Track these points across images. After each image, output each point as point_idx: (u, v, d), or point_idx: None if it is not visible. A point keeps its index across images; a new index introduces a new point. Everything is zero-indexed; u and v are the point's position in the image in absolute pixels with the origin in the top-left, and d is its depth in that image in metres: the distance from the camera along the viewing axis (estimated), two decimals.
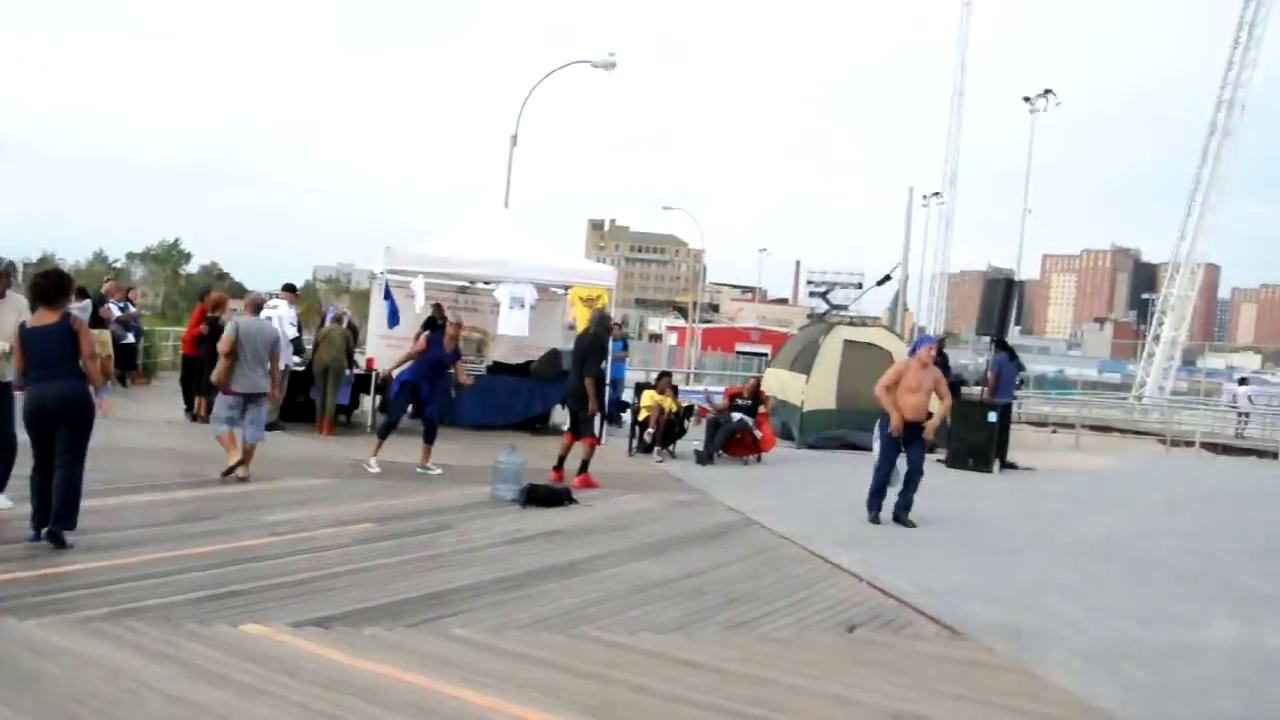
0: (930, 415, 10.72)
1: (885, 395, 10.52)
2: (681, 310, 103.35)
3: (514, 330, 15.48)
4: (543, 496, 9.94)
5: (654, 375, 16.93)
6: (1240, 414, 31.78)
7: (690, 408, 15.36)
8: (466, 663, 5.32)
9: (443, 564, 7.40)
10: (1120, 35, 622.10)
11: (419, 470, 11.28)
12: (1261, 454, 25.30)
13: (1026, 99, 48.84)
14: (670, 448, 14.55)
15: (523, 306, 15.36)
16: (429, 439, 11.43)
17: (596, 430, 12.27)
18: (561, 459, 11.46)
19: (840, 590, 7.48)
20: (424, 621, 5.96)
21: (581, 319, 14.90)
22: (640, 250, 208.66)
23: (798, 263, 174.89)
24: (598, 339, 11.90)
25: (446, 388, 12.18)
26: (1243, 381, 40.04)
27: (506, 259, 15.45)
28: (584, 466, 11.34)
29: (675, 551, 8.42)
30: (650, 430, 14.37)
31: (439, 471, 11.30)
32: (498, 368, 16.87)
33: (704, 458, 14.07)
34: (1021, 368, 19.59)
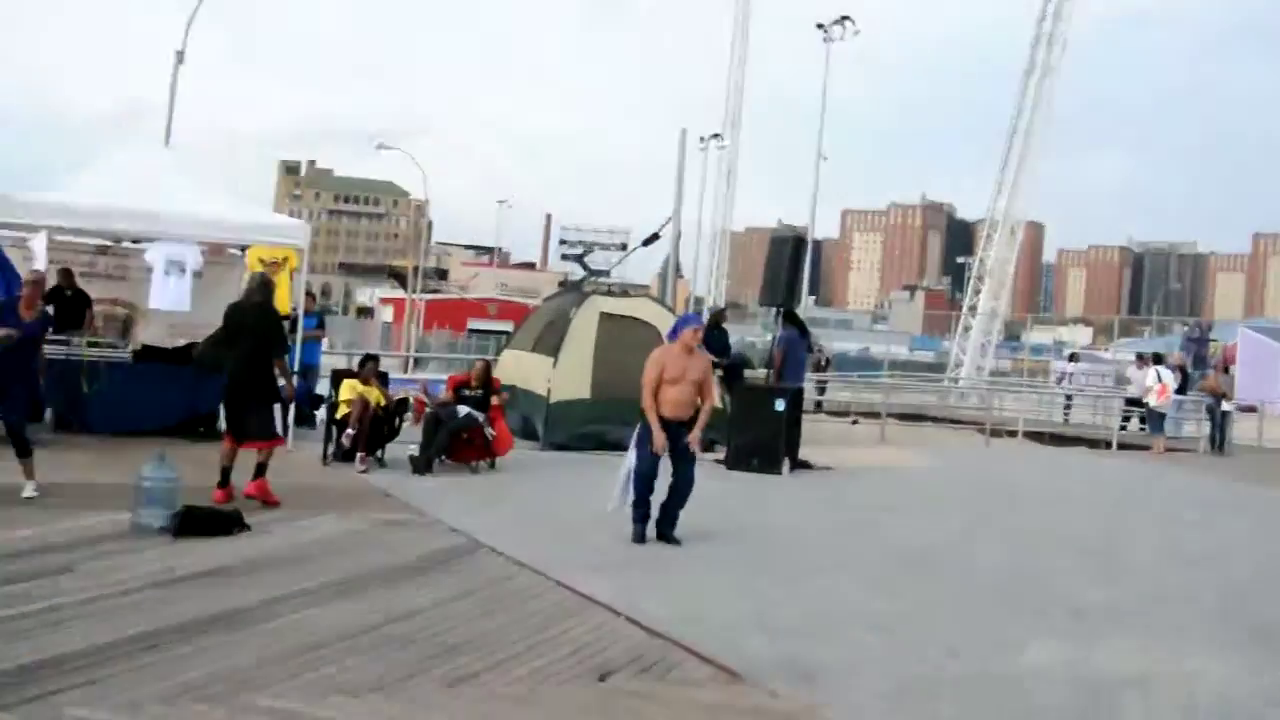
0: (696, 415, 10.70)
1: (652, 394, 10.46)
2: (400, 277, 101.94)
3: (170, 304, 14.80)
4: (202, 523, 9.46)
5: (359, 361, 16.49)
6: (1068, 397, 33.82)
7: (404, 401, 15.04)
8: None
9: (59, 620, 6.89)
10: None
11: (26, 496, 10.52)
12: (1093, 443, 26.95)
13: (821, 26, 50.32)
14: (378, 453, 14.22)
15: (182, 273, 14.69)
16: (21, 451, 10.64)
17: (278, 428, 11.95)
18: (226, 472, 10.97)
19: (591, 628, 7.42)
20: (25, 702, 5.50)
21: None
22: (347, 201, 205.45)
23: (548, 217, 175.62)
24: (265, 307, 11.58)
25: (32, 376, 11.32)
26: (1073, 358, 42.60)
27: (160, 210, 14.65)
28: (260, 470, 10.97)
29: (380, 589, 8.17)
30: (350, 431, 13.97)
31: (35, 493, 10.49)
32: (148, 353, 16.07)
33: (421, 465, 13.81)
34: (813, 347, 20.11)
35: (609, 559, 9.60)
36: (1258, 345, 47.93)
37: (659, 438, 10.30)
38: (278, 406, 11.92)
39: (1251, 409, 30.33)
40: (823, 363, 38.55)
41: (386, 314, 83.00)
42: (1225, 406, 26.25)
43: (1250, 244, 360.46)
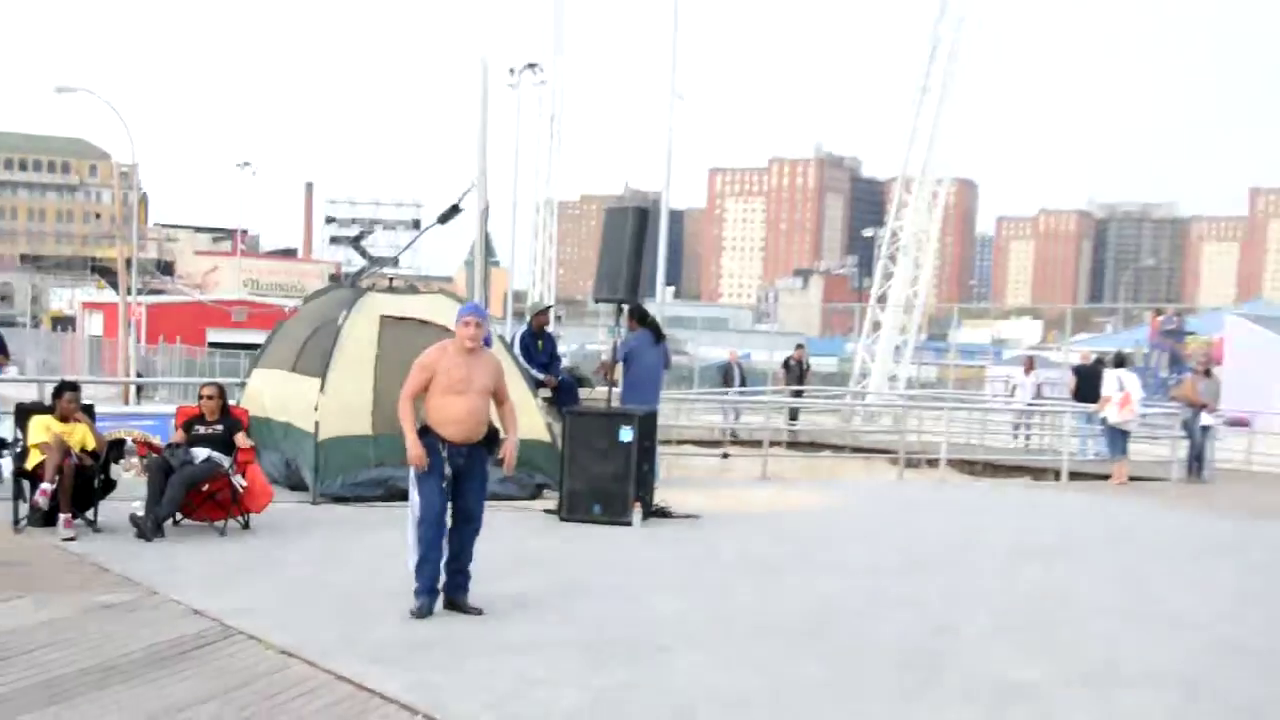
0: (495, 432, 10.95)
1: (408, 406, 10.73)
2: (108, 273, 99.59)
3: None
4: None
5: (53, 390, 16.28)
6: (1018, 417, 34.69)
7: (120, 443, 14.99)
8: None
9: None
10: None
11: None
12: (1038, 472, 27.74)
13: None
14: (88, 514, 14.15)
15: None
16: None
17: None
18: None
19: None
20: None
21: None
22: (23, 168, 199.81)
23: (309, 187, 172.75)
24: None
25: None
26: (1029, 366, 43.68)
27: None
28: None
29: (94, 692, 8.24)
30: (47, 486, 13.85)
31: None
32: None
33: (149, 527, 13.66)
34: (668, 356, 20.23)
35: (403, 641, 9.73)
36: (1252, 337, 48.69)
37: (414, 450, 10.50)
38: None
39: (1243, 422, 31.33)
40: (801, 370, 39.11)
41: (94, 324, 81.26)
42: (1206, 420, 27.10)
43: (1247, 203, 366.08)
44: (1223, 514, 20.93)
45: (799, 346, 44.79)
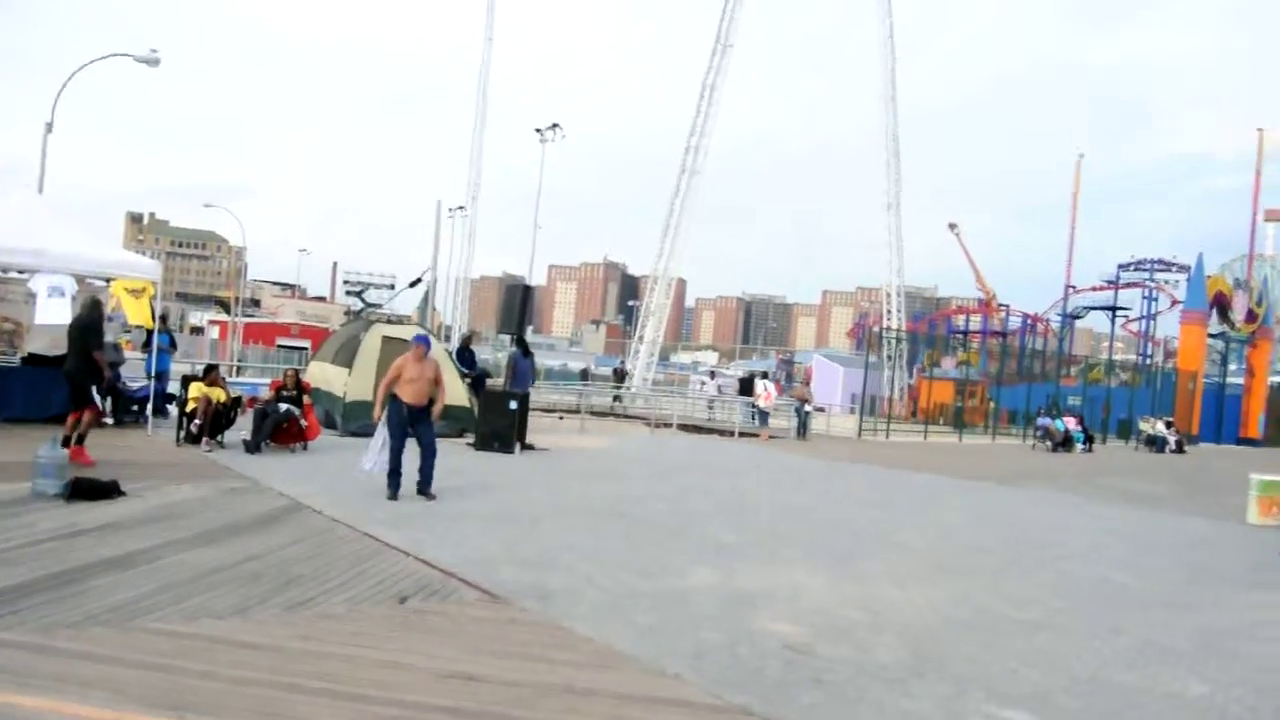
0: (433, 402, 10.86)
1: (385, 387, 10.72)
2: (224, 305, 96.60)
3: (54, 319, 13.73)
4: (88, 489, 8.91)
5: (200, 368, 15.72)
6: (709, 401, 35.12)
7: (238, 399, 14.43)
8: (16, 668, 4.66)
9: None
10: (616, 86, 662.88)
11: None
12: (723, 432, 28.03)
13: (538, 130, 50.65)
14: (219, 438, 13.60)
15: (63, 295, 13.63)
16: None
17: (97, 401, 11.64)
18: (68, 439, 10.58)
19: (391, 566, 7.37)
20: None
21: (131, 311, 13.68)
22: (181, 246, 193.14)
23: (335, 264, 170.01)
24: (91, 319, 11.74)
25: None
26: (712, 375, 44.31)
27: (44, 248, 13.60)
28: (80, 439, 10.79)
29: (230, 538, 7.88)
30: (198, 421, 13.34)
31: None
32: (34, 360, 14.92)
33: (252, 447, 13.28)
34: (534, 365, 20.18)
35: (399, 516, 9.45)
36: (826, 367, 50.92)
37: (377, 411, 10.86)
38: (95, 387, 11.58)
39: (821, 409, 32.12)
40: (622, 375, 38.90)
41: (214, 332, 78.41)
42: (808, 408, 27.69)
43: (820, 297, 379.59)
44: (815, 456, 21.35)
45: (621, 361, 44.91)
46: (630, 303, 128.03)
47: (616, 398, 34.31)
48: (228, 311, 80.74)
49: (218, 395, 13.60)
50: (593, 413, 30.11)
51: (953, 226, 78.50)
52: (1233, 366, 50.70)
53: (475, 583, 6.97)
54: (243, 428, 14.02)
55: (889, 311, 53.73)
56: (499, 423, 16.13)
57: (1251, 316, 49.42)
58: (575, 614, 6.42)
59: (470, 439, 16.51)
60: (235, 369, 34.05)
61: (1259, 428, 48.51)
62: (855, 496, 14.57)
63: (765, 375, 31.45)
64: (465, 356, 19.54)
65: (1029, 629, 7.09)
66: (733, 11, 48.37)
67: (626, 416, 32.65)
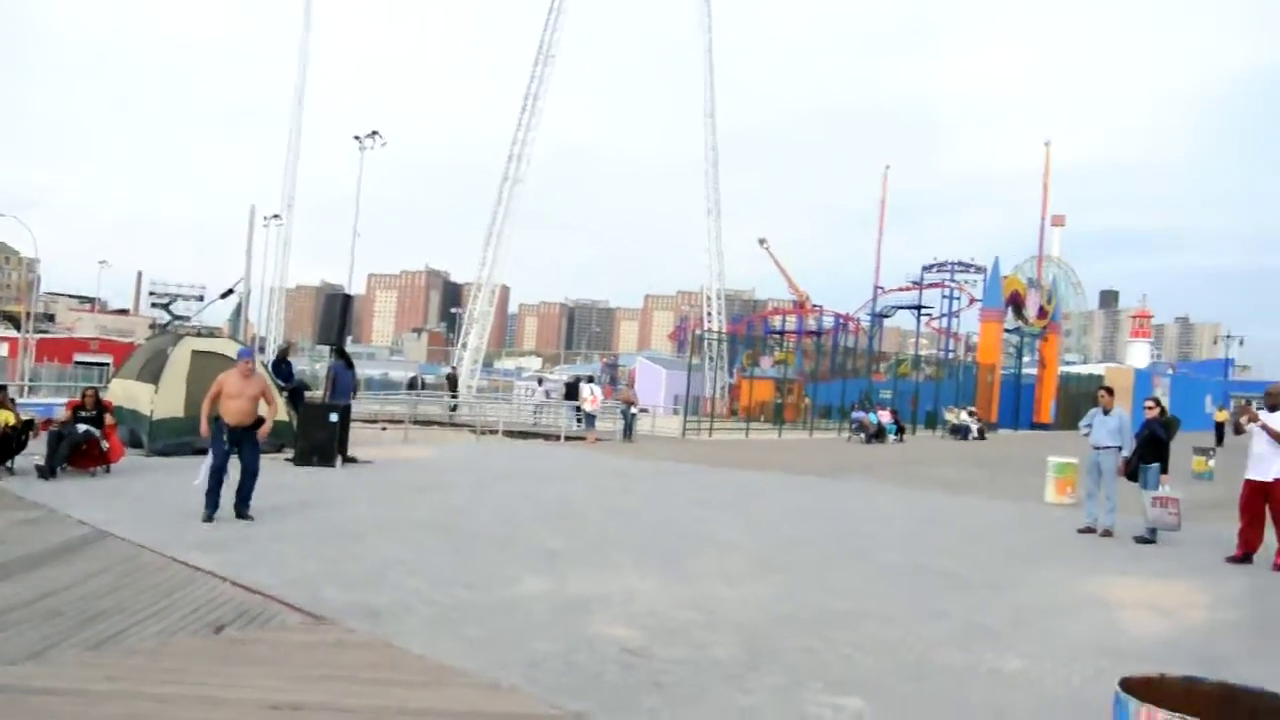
0: (261, 419, 10.38)
1: (209, 405, 10.16)
2: (13, 320, 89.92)
3: None
4: None
5: None
6: (536, 406, 34.92)
7: (30, 421, 13.35)
8: None
9: None
10: (439, 94, 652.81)
11: None
12: (549, 436, 27.87)
13: (357, 138, 49.38)
14: (8, 464, 12.55)
15: None
16: None
17: None
18: None
19: (204, 592, 6.91)
20: None
21: None
22: None
23: (139, 274, 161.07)
24: None
25: None
26: (540, 381, 44.10)
27: None
28: None
29: (24, 573, 7.21)
30: None
31: None
32: None
33: (46, 472, 12.30)
34: (356, 377, 19.58)
35: (212, 539, 8.91)
36: (649, 369, 51.45)
37: (203, 428, 10.13)
38: None
39: (645, 410, 32.40)
40: (453, 382, 37.83)
41: (2, 350, 72.94)
42: (633, 410, 27.88)
43: (643, 302, 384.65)
44: (641, 458, 21.45)
45: (453, 368, 44.00)
46: (453, 310, 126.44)
47: (454, 407, 33.66)
48: (18, 327, 75.14)
49: (6, 418, 12.56)
50: (416, 422, 29.39)
51: (762, 242, 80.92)
52: (1026, 359, 54.00)
53: (298, 605, 6.61)
54: (35, 452, 12.98)
55: (709, 314, 54.73)
56: (319, 436, 15.52)
57: (1043, 313, 52.81)
58: (405, 631, 6.17)
59: (289, 454, 15.83)
60: (26, 389, 31.73)
61: (1050, 413, 51.85)
62: (682, 496, 14.69)
63: (591, 379, 31.43)
64: (282, 369, 18.76)
65: (856, 618, 7.26)
66: (556, 22, 48.35)
67: (451, 425, 32.04)
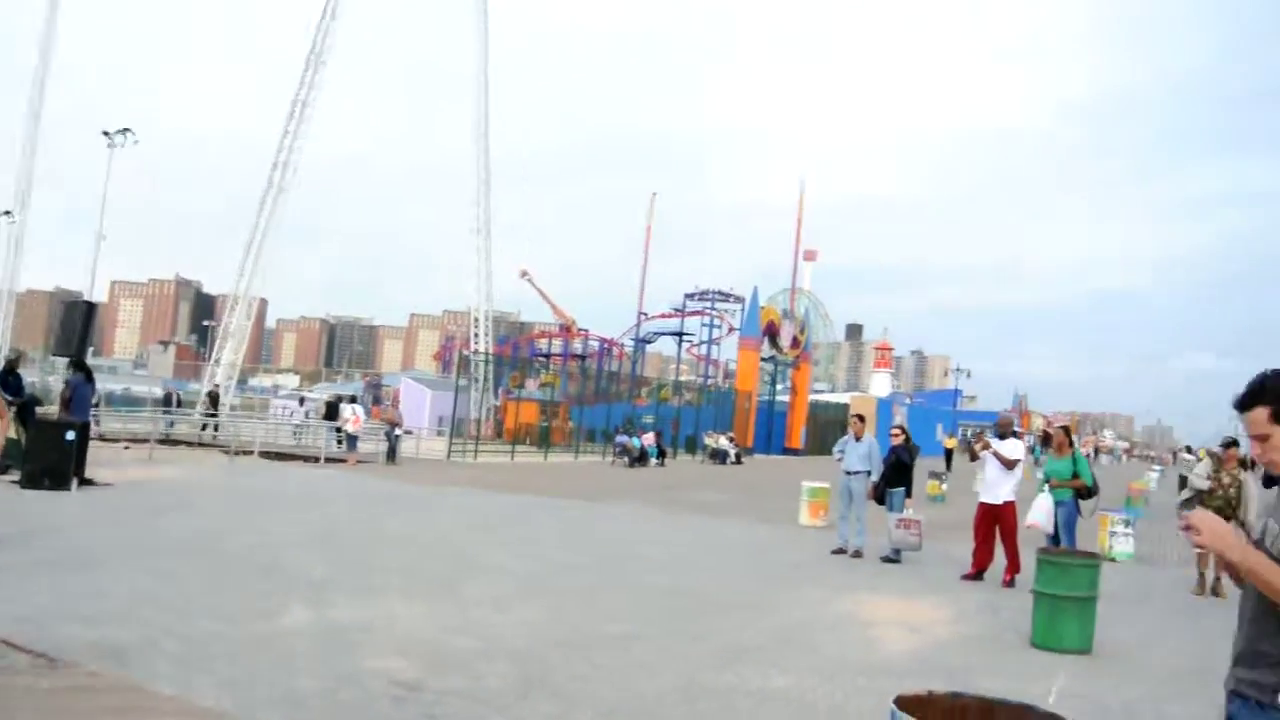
0: None
1: None
2: None
3: None
4: None
5: None
6: (296, 426, 33.44)
7: None
8: None
9: None
10: (198, 93, 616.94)
11: None
12: (307, 458, 26.69)
13: (106, 134, 45.95)
14: None
15: None
16: None
17: None
18: None
19: None
20: None
21: None
22: None
23: None
24: None
25: None
26: (301, 401, 42.31)
27: None
28: None
29: None
30: None
31: None
32: None
33: None
34: (95, 390, 18.12)
35: None
36: (413, 389, 50.49)
37: None
38: None
39: (409, 432, 31.63)
40: (215, 399, 35.06)
41: None
42: (397, 431, 27.13)
43: (408, 320, 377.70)
44: (406, 480, 20.92)
45: (215, 384, 41.32)
46: (205, 323, 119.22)
47: (215, 426, 31.69)
48: None
49: None
50: (162, 441, 27.47)
51: (524, 274, 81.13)
52: (779, 386, 56.51)
53: (28, 646, 5.96)
54: None
55: (476, 335, 54.24)
56: (52, 456, 14.19)
57: (795, 343, 55.49)
58: (155, 671, 5.69)
59: (15, 476, 14.42)
60: None
61: (801, 439, 54.42)
62: (449, 520, 14.40)
63: (354, 399, 30.40)
64: (10, 381, 17.05)
65: (626, 641, 7.30)
66: (328, 26, 46.74)
67: (201, 445, 30.15)
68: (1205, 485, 11.76)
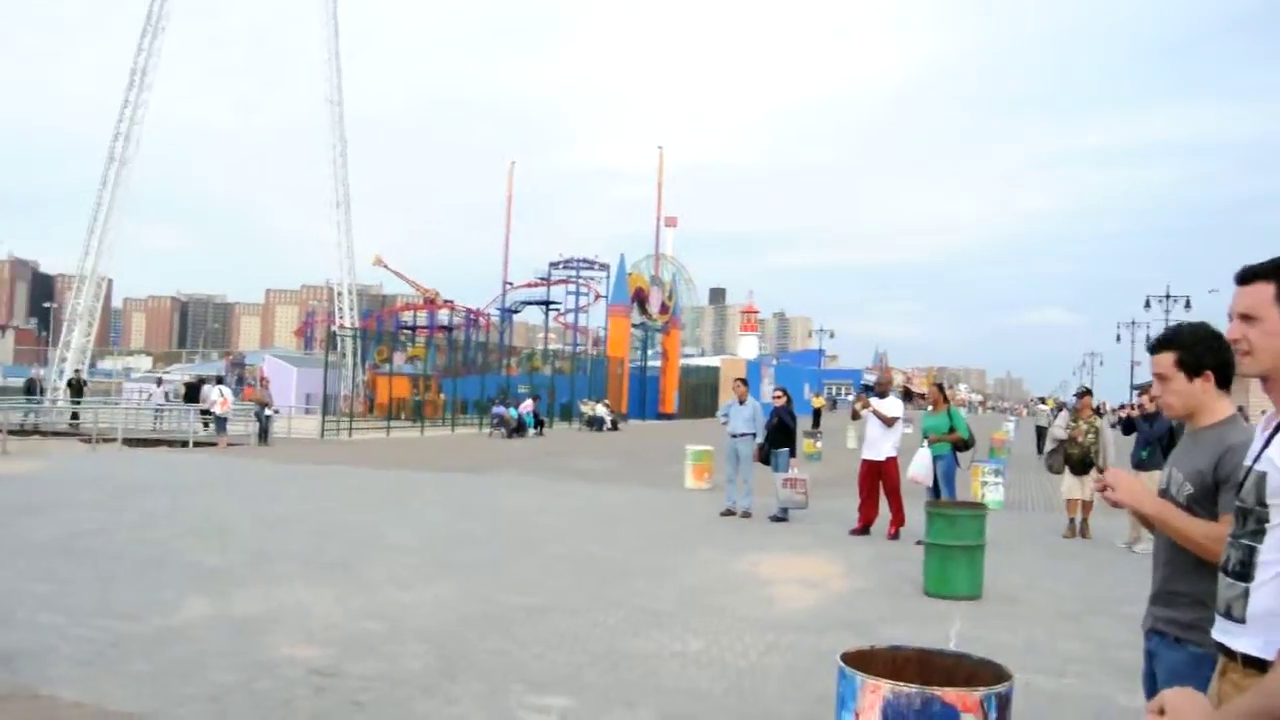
0: None
1: None
2: None
3: None
4: None
5: None
6: (157, 410, 32.05)
7: None
8: None
9: None
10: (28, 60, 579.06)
11: None
12: (173, 442, 25.67)
13: None
14: None
15: None
16: None
17: None
18: None
19: None
20: None
21: None
22: None
23: None
24: None
25: None
26: (159, 381, 40.48)
27: None
28: None
29: None
30: None
31: None
32: None
33: None
34: None
35: None
36: (278, 368, 49.00)
37: None
38: None
39: (278, 411, 30.73)
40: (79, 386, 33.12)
41: None
42: (268, 411, 26.31)
43: (264, 297, 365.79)
44: (282, 462, 20.32)
45: (76, 370, 39.05)
46: (46, 305, 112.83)
47: (75, 415, 30.11)
48: None
49: None
50: (15, 432, 25.99)
51: (378, 261, 79.39)
52: (650, 351, 56.93)
53: None
54: None
55: (340, 310, 52.83)
56: None
57: (664, 308, 55.92)
58: (53, 676, 5.40)
59: None
60: None
61: (674, 403, 55.04)
62: (337, 500, 14.06)
63: (220, 380, 29.30)
64: None
65: (539, 613, 7.28)
66: None
67: (56, 434, 28.69)
68: (1065, 434, 12.41)
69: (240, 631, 6.47)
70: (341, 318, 52.32)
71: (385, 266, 79.44)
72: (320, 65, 51.55)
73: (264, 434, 25.69)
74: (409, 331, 67.49)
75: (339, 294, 53.48)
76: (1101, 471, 12.19)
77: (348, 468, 19.19)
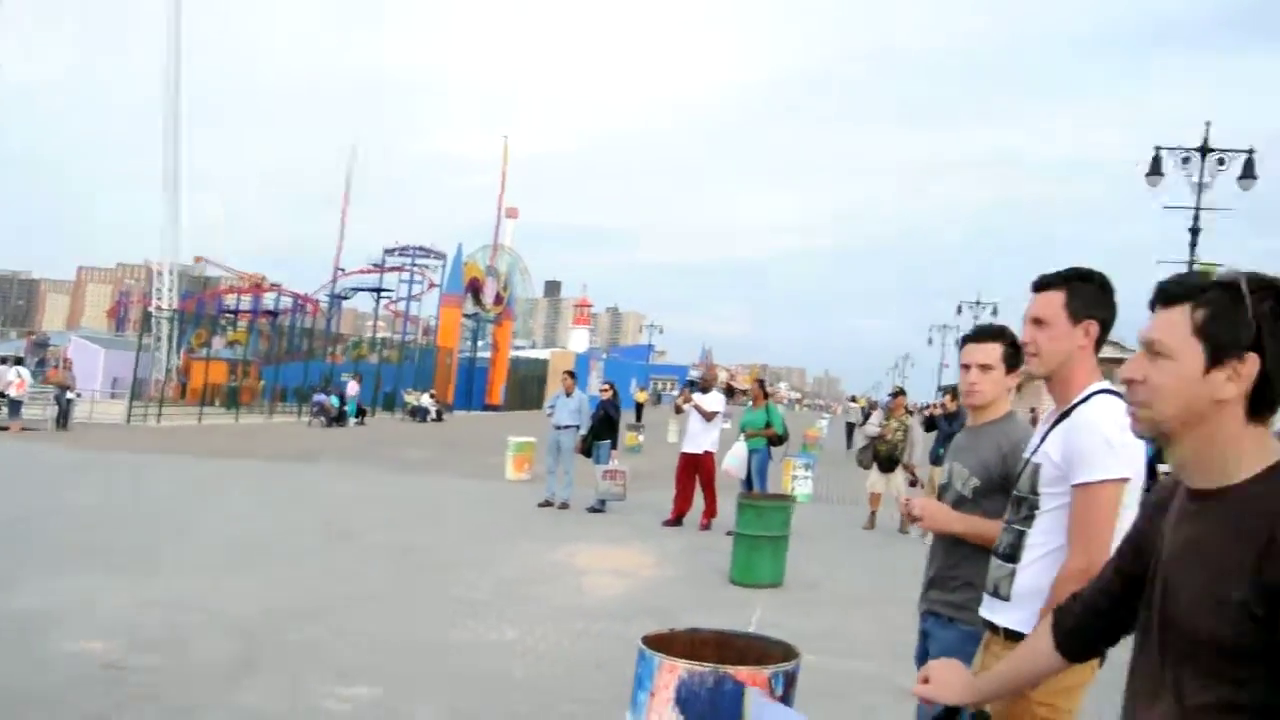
0: None
1: None
2: None
3: None
4: None
5: None
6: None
7: None
8: None
9: None
10: None
11: None
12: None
13: None
14: None
15: None
16: None
17: None
18: None
19: None
20: None
21: None
22: None
23: None
24: None
25: None
26: (19, 361, 37.59)
27: None
28: None
29: None
30: None
31: None
32: None
33: None
34: None
35: None
36: (85, 349, 46.24)
37: None
38: None
39: (80, 395, 28.95)
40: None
41: None
42: (69, 394, 24.79)
43: (75, 274, 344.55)
44: (85, 448, 19.16)
45: None
46: None
47: None
48: None
49: None
50: None
51: (198, 260, 76.50)
52: (481, 342, 56.41)
53: None
54: None
55: (159, 290, 50.18)
56: None
57: (499, 299, 55.48)
58: None
59: None
60: None
61: (501, 395, 54.72)
62: (146, 489, 13.39)
63: (19, 360, 27.37)
64: None
65: (354, 602, 7.17)
66: None
67: None
68: (876, 432, 13.04)
69: (26, 626, 6.10)
70: (159, 299, 49.75)
71: (209, 261, 76.40)
72: (157, 40, 48.85)
73: (64, 418, 24.17)
74: (231, 315, 64.75)
75: (159, 273, 50.81)
76: (908, 469, 12.91)
77: (160, 455, 18.29)
